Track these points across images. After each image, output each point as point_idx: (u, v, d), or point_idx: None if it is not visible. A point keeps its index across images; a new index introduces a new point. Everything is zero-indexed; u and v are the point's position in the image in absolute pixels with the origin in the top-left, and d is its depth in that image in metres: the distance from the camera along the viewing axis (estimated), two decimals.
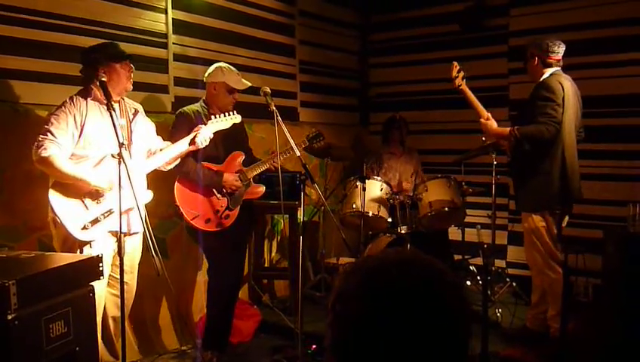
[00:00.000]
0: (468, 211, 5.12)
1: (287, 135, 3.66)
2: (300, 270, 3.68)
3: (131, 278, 3.49)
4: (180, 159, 3.69)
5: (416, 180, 5.19)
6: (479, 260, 5.20)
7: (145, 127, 3.57)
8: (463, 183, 4.98)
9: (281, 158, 3.98)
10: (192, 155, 3.78)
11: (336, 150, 5.08)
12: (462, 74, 4.08)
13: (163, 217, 4.38)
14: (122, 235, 2.92)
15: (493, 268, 5.08)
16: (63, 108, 3.16)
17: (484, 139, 4.42)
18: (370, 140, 6.58)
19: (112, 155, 2.92)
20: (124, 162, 2.84)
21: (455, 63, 4.10)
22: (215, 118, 3.71)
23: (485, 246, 5.03)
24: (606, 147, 5.11)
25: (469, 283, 5.07)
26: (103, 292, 3.22)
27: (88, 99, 3.25)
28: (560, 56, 3.98)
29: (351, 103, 6.68)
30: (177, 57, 4.62)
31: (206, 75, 4.04)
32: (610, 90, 5.09)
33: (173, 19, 4.55)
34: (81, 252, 3.08)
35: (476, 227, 5.39)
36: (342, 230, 4.15)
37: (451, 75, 4.08)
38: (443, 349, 0.95)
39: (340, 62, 6.43)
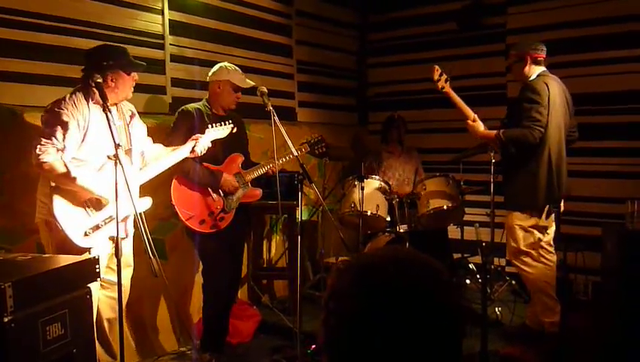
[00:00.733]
0: (467, 210, 5.12)
1: (285, 136, 3.66)
2: (299, 270, 3.68)
3: (127, 279, 3.47)
4: None
5: (416, 179, 5.18)
6: (479, 258, 5.19)
7: (141, 129, 3.56)
8: (462, 182, 4.98)
9: (280, 162, 3.98)
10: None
11: (334, 150, 5.07)
12: (444, 77, 4.07)
13: (162, 218, 4.36)
14: (120, 239, 2.90)
15: (492, 267, 5.08)
16: (65, 109, 3.05)
17: None
18: (370, 140, 6.58)
19: (109, 157, 2.88)
20: (120, 164, 2.82)
21: (436, 67, 4.10)
22: (212, 126, 3.69)
23: (484, 244, 5.03)
24: (603, 144, 5.11)
25: (468, 281, 5.06)
26: (97, 294, 3.20)
27: (90, 101, 3.15)
28: (544, 54, 4.00)
29: (349, 103, 6.68)
30: (174, 58, 4.61)
31: (210, 73, 4.04)
32: (607, 87, 5.10)
33: (169, 20, 4.55)
34: None
35: (474, 225, 5.39)
36: (340, 229, 4.16)
37: (433, 78, 4.07)
38: (437, 347, 0.95)
39: (338, 62, 6.43)
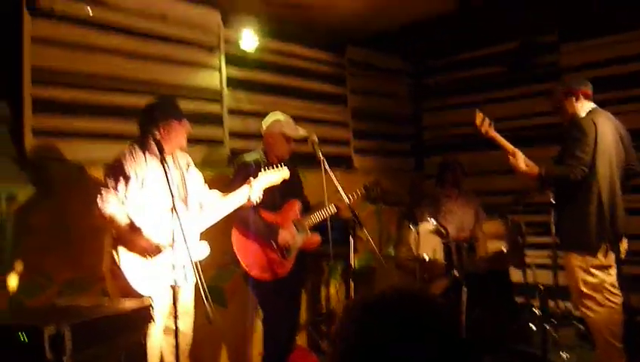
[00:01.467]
0: (530, 252, 4.98)
1: (336, 183, 3.72)
2: None
3: (187, 326, 3.55)
4: None
5: (475, 222, 5.11)
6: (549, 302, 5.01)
7: (196, 179, 3.70)
8: (522, 224, 4.86)
9: (334, 208, 4.02)
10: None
11: (390, 195, 5.10)
12: (487, 121, 4.06)
13: (221, 266, 4.49)
14: (178, 286, 2.99)
15: (558, 310, 4.88)
16: (124, 161, 3.25)
17: None
18: (428, 184, 6.55)
19: (169, 209, 3.00)
20: (177, 214, 2.93)
21: (478, 113, 4.09)
22: (264, 172, 3.74)
23: (541, 287, 4.86)
24: None
25: (532, 326, 4.88)
26: (158, 341, 3.29)
27: (146, 152, 3.34)
28: (591, 90, 3.92)
29: (405, 148, 6.71)
30: (232, 111, 4.82)
31: (263, 124, 4.17)
32: None
33: (226, 75, 4.78)
34: None
35: (529, 267, 5.19)
36: (397, 274, 4.14)
37: (476, 123, 4.06)
38: None
39: (392, 108, 6.52)
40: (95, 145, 3.87)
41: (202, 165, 4.39)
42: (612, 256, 3.82)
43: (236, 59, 4.88)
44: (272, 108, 4.92)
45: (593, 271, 3.85)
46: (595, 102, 3.98)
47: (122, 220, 3.14)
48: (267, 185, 3.74)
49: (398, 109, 6.60)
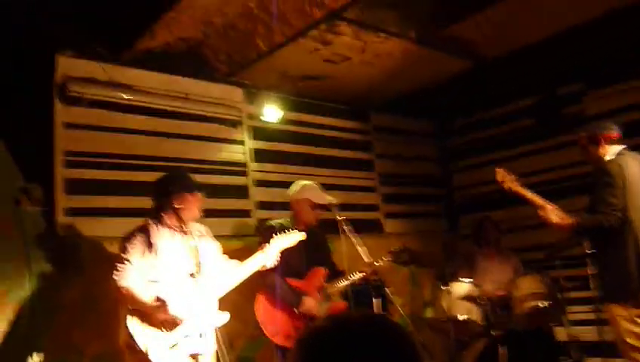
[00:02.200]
0: (572, 307, 4.77)
1: (357, 247, 3.71)
2: None
3: None
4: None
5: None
6: (595, 360, 4.74)
7: (211, 248, 3.68)
8: (561, 278, 4.68)
9: (359, 274, 3.97)
10: (274, 269, 3.75)
11: (422, 257, 5.03)
12: (510, 177, 4.02)
13: (252, 337, 4.45)
14: (199, 356, 2.96)
15: None
16: (137, 235, 3.33)
17: None
18: (464, 244, 6.42)
19: (185, 279, 3.03)
20: (198, 285, 2.96)
21: (498, 170, 4.06)
22: (277, 236, 3.70)
23: (576, 342, 4.61)
24: None
25: None
26: None
27: (159, 225, 3.42)
28: (619, 133, 3.84)
29: (436, 210, 6.65)
30: (258, 183, 4.93)
31: (290, 192, 4.21)
32: None
33: (251, 148, 4.93)
34: None
35: (564, 323, 4.93)
36: (430, 336, 4.01)
37: (498, 180, 4.03)
38: None
39: (420, 170, 6.53)
40: (124, 221, 3.98)
41: (230, 237, 4.49)
42: None
43: (260, 132, 5.04)
44: (297, 177, 4.99)
45: (638, 320, 3.65)
46: None
47: (139, 293, 3.17)
48: (282, 249, 3.69)
49: (425, 171, 6.61)
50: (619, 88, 5.34)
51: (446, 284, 4.48)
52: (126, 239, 3.35)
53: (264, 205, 4.91)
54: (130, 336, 3.15)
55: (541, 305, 4.32)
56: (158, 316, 3.19)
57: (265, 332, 3.85)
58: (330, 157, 5.55)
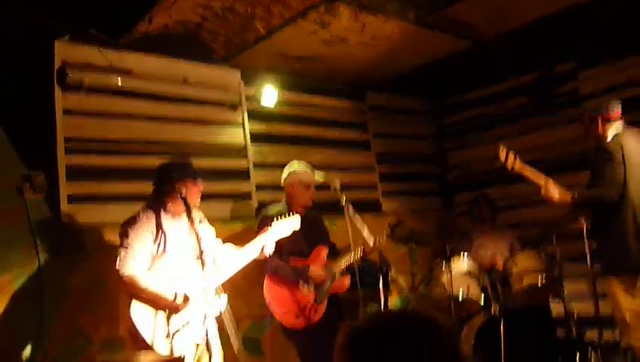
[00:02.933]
0: (569, 282, 4.85)
1: (359, 226, 3.76)
2: None
3: None
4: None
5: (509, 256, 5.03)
6: (592, 333, 4.85)
7: (208, 233, 3.70)
8: (557, 253, 4.77)
9: (360, 251, 4.04)
10: (277, 252, 3.84)
11: (420, 235, 5.10)
12: (512, 155, 4.06)
13: (257, 317, 4.52)
14: (204, 340, 2.99)
15: (602, 341, 4.71)
16: (139, 221, 3.33)
17: None
18: (461, 222, 6.51)
19: (193, 259, 3.06)
20: (202, 268, 2.98)
21: (502, 148, 4.10)
22: (277, 219, 3.74)
23: (575, 316, 4.72)
24: None
25: (577, 360, 4.72)
26: None
27: (162, 211, 3.43)
28: (619, 111, 3.90)
29: (431, 188, 6.72)
30: (257, 165, 4.95)
31: (282, 177, 4.28)
32: None
33: (250, 131, 4.94)
34: None
35: (562, 297, 5.03)
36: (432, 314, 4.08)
37: (501, 159, 4.08)
38: None
39: (416, 149, 6.57)
40: (127, 206, 3.98)
41: (231, 219, 4.52)
42: None
43: (259, 115, 5.04)
44: (296, 158, 5.03)
45: (637, 293, 3.74)
46: None
47: (142, 282, 3.18)
48: (282, 235, 3.73)
49: (421, 150, 6.65)
50: (613, 66, 5.39)
51: (446, 261, 4.55)
52: (127, 224, 3.35)
53: (264, 187, 4.94)
54: (133, 324, 3.15)
55: (539, 282, 4.42)
56: (161, 303, 3.21)
57: (274, 314, 3.91)
58: (327, 138, 5.58)
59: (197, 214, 3.70)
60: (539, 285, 4.41)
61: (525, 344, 4.43)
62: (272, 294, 3.98)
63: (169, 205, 3.45)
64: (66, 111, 3.91)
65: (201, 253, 3.04)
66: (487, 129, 6.37)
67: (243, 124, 4.93)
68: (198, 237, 3.24)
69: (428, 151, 6.75)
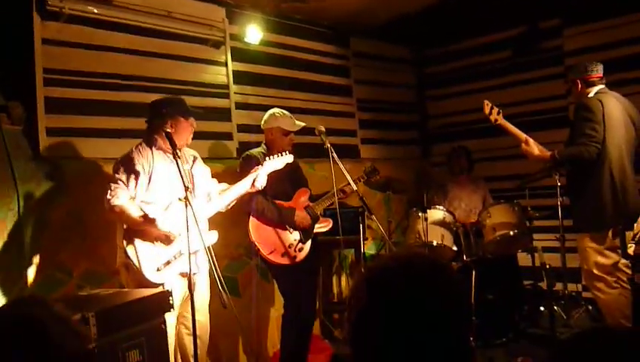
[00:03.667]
0: (539, 235, 5.04)
1: (344, 171, 3.80)
2: None
3: (204, 316, 3.61)
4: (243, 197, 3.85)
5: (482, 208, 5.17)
6: (557, 285, 5.07)
7: (203, 172, 3.77)
8: (529, 207, 4.92)
9: (342, 194, 4.12)
10: (262, 193, 3.92)
11: (397, 183, 5.16)
12: (495, 109, 4.15)
13: (233, 258, 4.59)
14: (192, 275, 3.06)
15: (567, 292, 4.94)
16: (131, 156, 3.37)
17: None
18: (437, 172, 6.61)
19: (180, 199, 3.09)
20: (190, 206, 3.01)
21: (486, 102, 4.18)
22: (268, 158, 3.83)
23: (548, 267, 4.92)
24: None
25: (542, 308, 4.95)
26: (173, 329, 3.34)
27: (153, 148, 3.46)
28: (600, 73, 3.96)
29: (411, 137, 6.77)
30: (239, 106, 4.90)
31: (262, 122, 4.26)
32: None
33: (233, 70, 4.86)
34: None
35: (536, 250, 5.24)
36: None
37: (485, 113, 4.15)
38: (446, 339, 1.05)
39: (397, 97, 6.57)
40: (106, 141, 3.97)
41: (212, 159, 4.50)
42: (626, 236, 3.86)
43: (242, 55, 4.96)
44: (278, 101, 5.01)
45: (607, 252, 3.89)
46: None
47: (132, 212, 3.23)
48: (271, 170, 3.80)
49: (403, 98, 6.66)
50: (596, 26, 5.43)
51: (423, 211, 4.65)
52: (120, 160, 3.38)
53: (245, 128, 4.91)
54: (127, 255, 3.23)
55: (511, 233, 4.56)
56: (153, 233, 3.28)
57: (261, 252, 3.98)
58: (309, 82, 5.53)
59: (190, 152, 3.74)
60: (510, 236, 4.56)
61: (494, 292, 4.61)
62: (259, 233, 4.02)
63: (159, 141, 3.44)
64: (46, 41, 3.77)
65: (187, 188, 3.04)
66: (469, 81, 6.39)
67: (226, 63, 4.84)
68: (185, 173, 3.27)
69: (409, 100, 6.76)
